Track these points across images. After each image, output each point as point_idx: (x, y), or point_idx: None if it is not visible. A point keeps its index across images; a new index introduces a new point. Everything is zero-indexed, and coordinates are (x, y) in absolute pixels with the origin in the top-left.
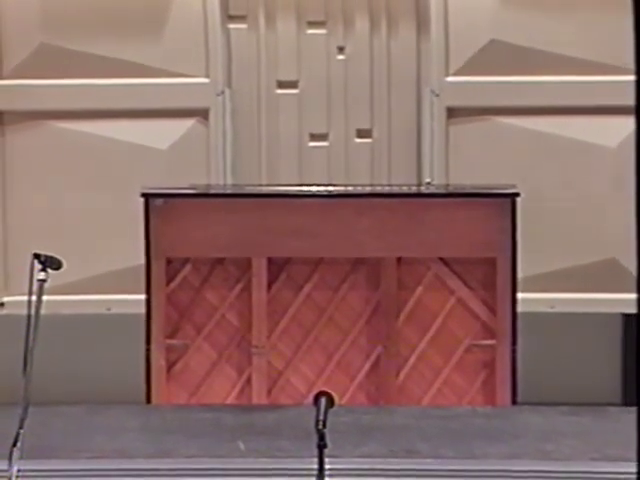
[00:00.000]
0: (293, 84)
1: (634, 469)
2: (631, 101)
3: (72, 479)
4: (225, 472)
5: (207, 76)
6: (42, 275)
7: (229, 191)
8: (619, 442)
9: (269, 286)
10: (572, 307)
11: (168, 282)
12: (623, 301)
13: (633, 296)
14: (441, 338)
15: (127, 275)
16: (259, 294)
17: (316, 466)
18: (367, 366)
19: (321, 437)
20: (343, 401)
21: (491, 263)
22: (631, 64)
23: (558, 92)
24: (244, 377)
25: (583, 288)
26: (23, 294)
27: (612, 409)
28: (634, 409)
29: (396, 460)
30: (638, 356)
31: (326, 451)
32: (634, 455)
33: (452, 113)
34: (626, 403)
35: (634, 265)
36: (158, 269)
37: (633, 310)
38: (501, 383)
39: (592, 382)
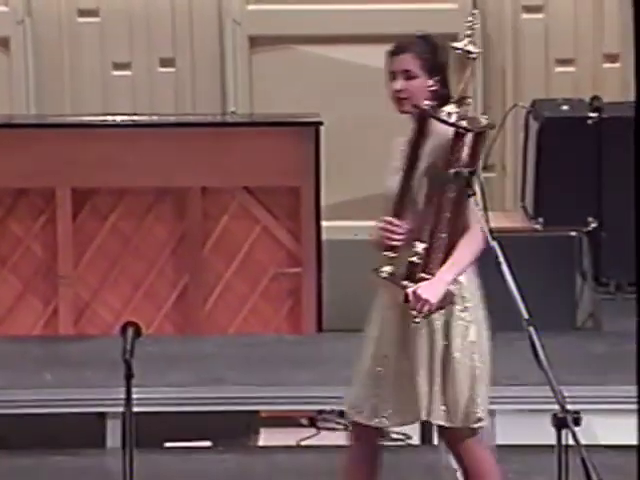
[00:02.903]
0: (94, 12)
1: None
2: (440, 29)
3: None
4: (32, 403)
5: (6, 4)
6: None
7: (32, 121)
8: None
9: (74, 217)
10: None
11: None
12: None
13: None
14: (247, 267)
15: None
16: (64, 225)
17: (124, 396)
18: (174, 296)
19: (128, 367)
20: (150, 331)
21: (295, 192)
22: None
23: (359, 20)
24: (50, 308)
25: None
26: None
27: None
28: None
29: (203, 388)
30: (638, 341)
31: (133, 381)
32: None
33: (254, 42)
34: None
35: None
36: None
37: None
38: (307, 311)
39: None
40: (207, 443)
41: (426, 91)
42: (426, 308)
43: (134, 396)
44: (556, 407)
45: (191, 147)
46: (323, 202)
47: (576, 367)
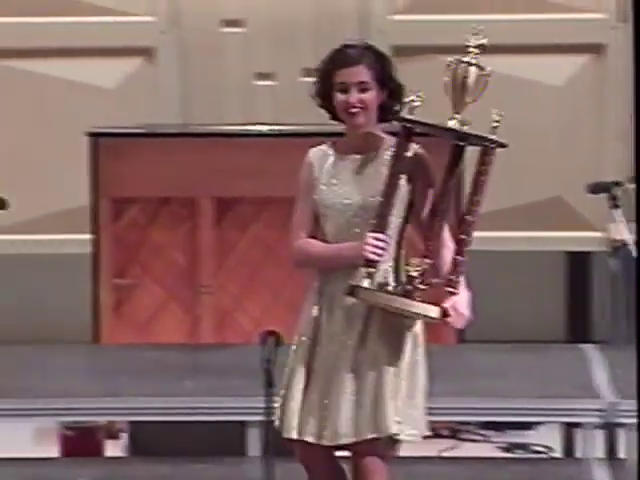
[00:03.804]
0: (238, 23)
1: (577, 405)
2: (579, 39)
3: (21, 418)
4: (172, 411)
5: (152, 15)
6: None
7: (175, 130)
8: (562, 379)
9: (216, 225)
10: (518, 245)
11: (114, 222)
12: (567, 239)
13: (577, 234)
14: None
15: (74, 215)
16: (206, 233)
17: (263, 405)
18: None
19: (268, 375)
20: (290, 340)
21: None
22: (578, 2)
23: (504, 30)
24: (192, 316)
25: (529, 226)
26: None
27: (555, 346)
28: (577, 346)
29: None
30: (638, 353)
31: (273, 390)
32: (575, 392)
33: (398, 52)
34: (569, 340)
35: (579, 203)
36: (104, 209)
37: (577, 248)
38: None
39: (536, 319)
40: (346, 453)
41: (376, 103)
42: (462, 323)
43: (273, 405)
44: None
45: None
46: None
47: None
